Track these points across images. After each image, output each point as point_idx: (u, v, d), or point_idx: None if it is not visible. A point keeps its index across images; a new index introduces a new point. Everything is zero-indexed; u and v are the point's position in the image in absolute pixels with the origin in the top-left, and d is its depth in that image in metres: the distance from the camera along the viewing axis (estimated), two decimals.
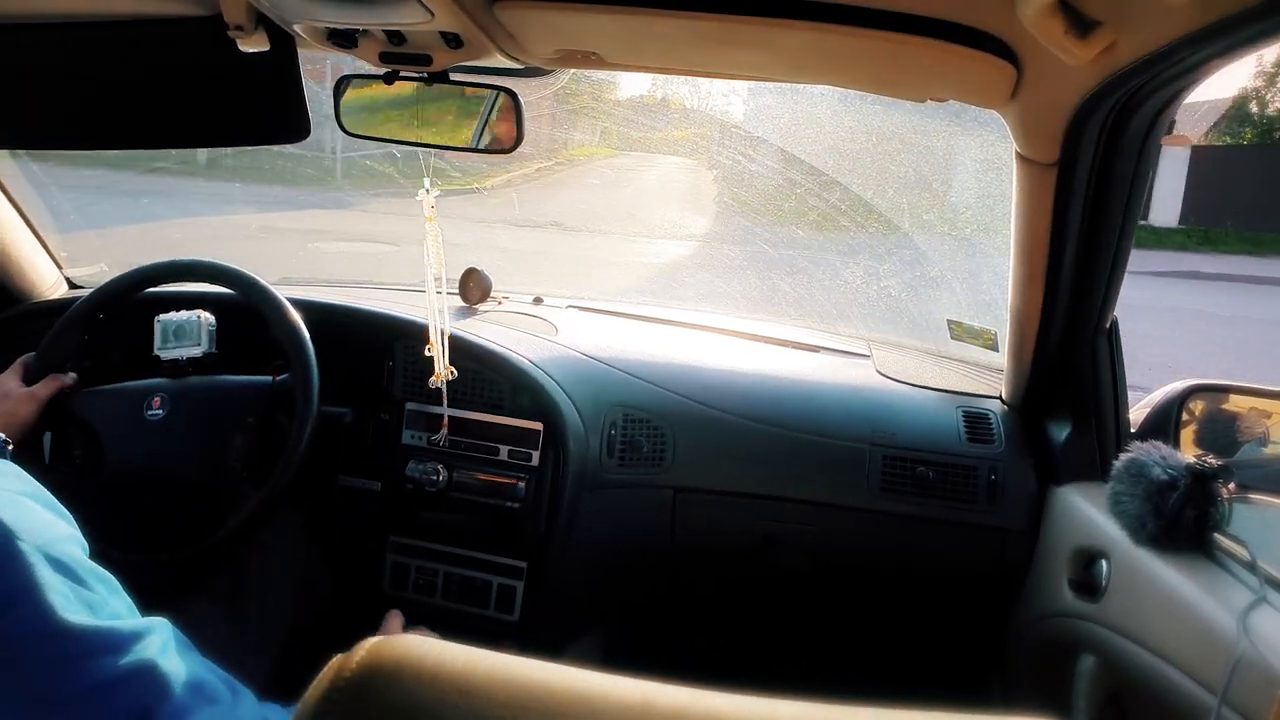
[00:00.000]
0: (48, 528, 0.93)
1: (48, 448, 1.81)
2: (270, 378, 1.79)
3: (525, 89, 1.59)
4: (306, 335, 1.77)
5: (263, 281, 1.82)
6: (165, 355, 1.84)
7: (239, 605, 1.66)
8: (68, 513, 0.98)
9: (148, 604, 1.01)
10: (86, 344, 1.86)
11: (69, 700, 0.87)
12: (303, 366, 1.74)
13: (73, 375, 1.78)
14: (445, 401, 1.93)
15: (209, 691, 0.97)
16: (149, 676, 0.92)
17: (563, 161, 12.28)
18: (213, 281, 1.87)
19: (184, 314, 1.87)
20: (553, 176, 12.15)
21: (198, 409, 1.76)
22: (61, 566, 0.91)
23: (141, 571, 1.73)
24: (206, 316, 1.88)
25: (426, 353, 1.85)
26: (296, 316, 1.79)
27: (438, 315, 1.85)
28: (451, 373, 1.88)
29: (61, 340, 1.81)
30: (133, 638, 0.92)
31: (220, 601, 1.67)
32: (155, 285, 1.88)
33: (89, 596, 0.92)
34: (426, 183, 1.77)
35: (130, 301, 1.87)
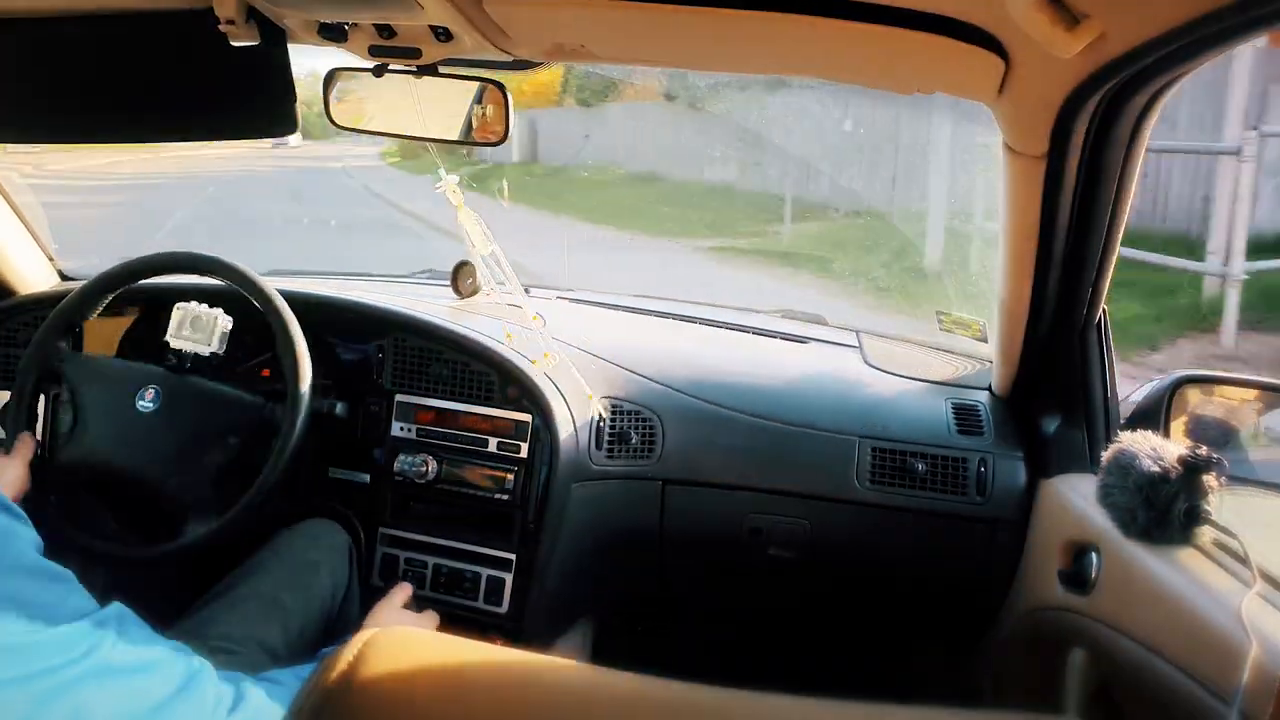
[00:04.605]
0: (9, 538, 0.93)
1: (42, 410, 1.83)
2: (262, 400, 1.79)
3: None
4: (308, 366, 1.76)
5: (277, 299, 1.80)
6: (174, 343, 1.83)
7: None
8: (20, 511, 0.98)
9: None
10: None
11: None
12: (294, 400, 1.74)
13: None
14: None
15: (163, 671, 0.98)
16: (96, 677, 0.91)
17: None
18: (198, 273, 1.86)
19: (203, 308, 1.85)
20: None
21: (186, 414, 1.76)
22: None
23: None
24: (225, 318, 1.86)
25: (529, 342, 1.87)
26: (302, 343, 1.77)
27: (519, 302, 1.85)
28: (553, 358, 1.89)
29: (26, 384, 1.79)
30: (83, 637, 0.92)
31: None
32: (142, 279, 1.87)
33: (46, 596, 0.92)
34: (441, 171, 1.75)
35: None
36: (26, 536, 0.96)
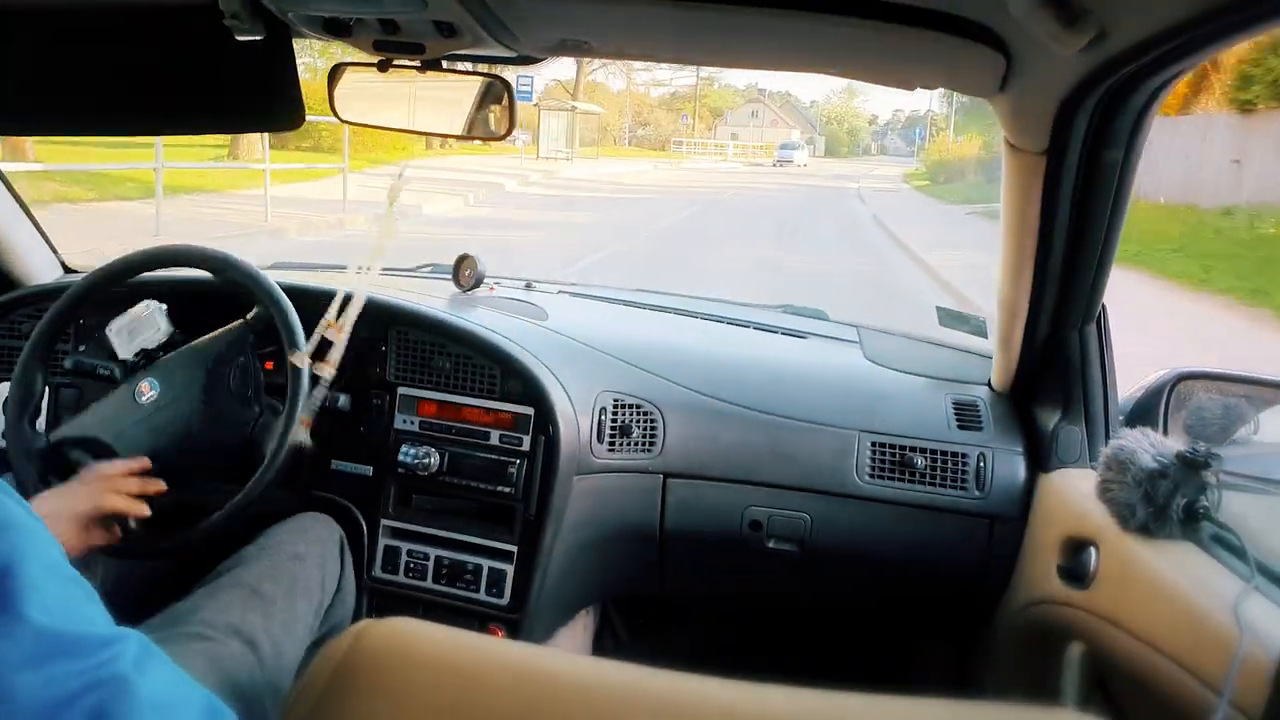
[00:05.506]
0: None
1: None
2: (242, 320, 1.82)
3: None
4: (273, 282, 1.79)
5: (280, 296, 1.81)
6: (132, 354, 1.84)
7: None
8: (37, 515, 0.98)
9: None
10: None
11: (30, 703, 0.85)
12: (273, 302, 1.77)
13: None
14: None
15: (182, 712, 0.95)
16: (114, 688, 0.89)
17: None
18: (187, 265, 1.87)
19: (130, 312, 1.87)
20: None
21: (187, 375, 1.78)
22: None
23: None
24: (154, 304, 1.87)
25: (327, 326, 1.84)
26: (268, 277, 1.80)
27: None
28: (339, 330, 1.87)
29: (29, 373, 1.80)
30: (101, 645, 0.90)
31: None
32: (123, 280, 1.88)
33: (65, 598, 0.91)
34: (401, 165, 1.77)
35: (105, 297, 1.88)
36: (48, 535, 0.95)
